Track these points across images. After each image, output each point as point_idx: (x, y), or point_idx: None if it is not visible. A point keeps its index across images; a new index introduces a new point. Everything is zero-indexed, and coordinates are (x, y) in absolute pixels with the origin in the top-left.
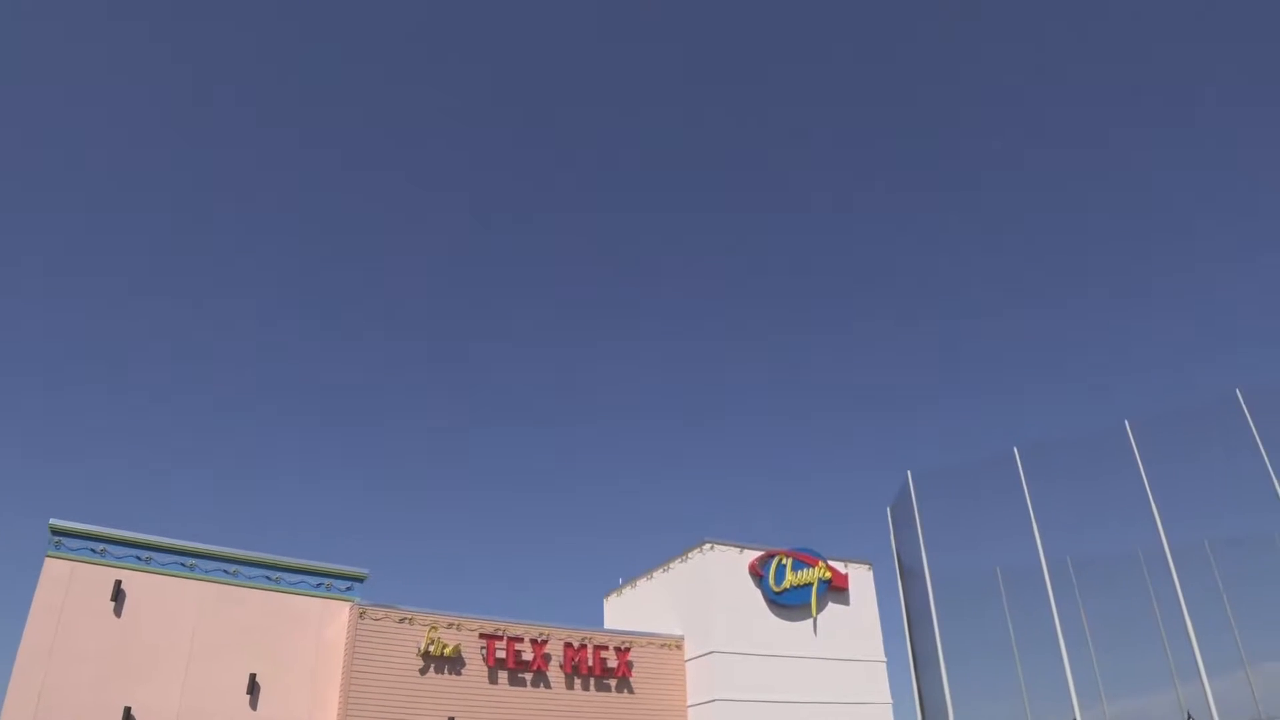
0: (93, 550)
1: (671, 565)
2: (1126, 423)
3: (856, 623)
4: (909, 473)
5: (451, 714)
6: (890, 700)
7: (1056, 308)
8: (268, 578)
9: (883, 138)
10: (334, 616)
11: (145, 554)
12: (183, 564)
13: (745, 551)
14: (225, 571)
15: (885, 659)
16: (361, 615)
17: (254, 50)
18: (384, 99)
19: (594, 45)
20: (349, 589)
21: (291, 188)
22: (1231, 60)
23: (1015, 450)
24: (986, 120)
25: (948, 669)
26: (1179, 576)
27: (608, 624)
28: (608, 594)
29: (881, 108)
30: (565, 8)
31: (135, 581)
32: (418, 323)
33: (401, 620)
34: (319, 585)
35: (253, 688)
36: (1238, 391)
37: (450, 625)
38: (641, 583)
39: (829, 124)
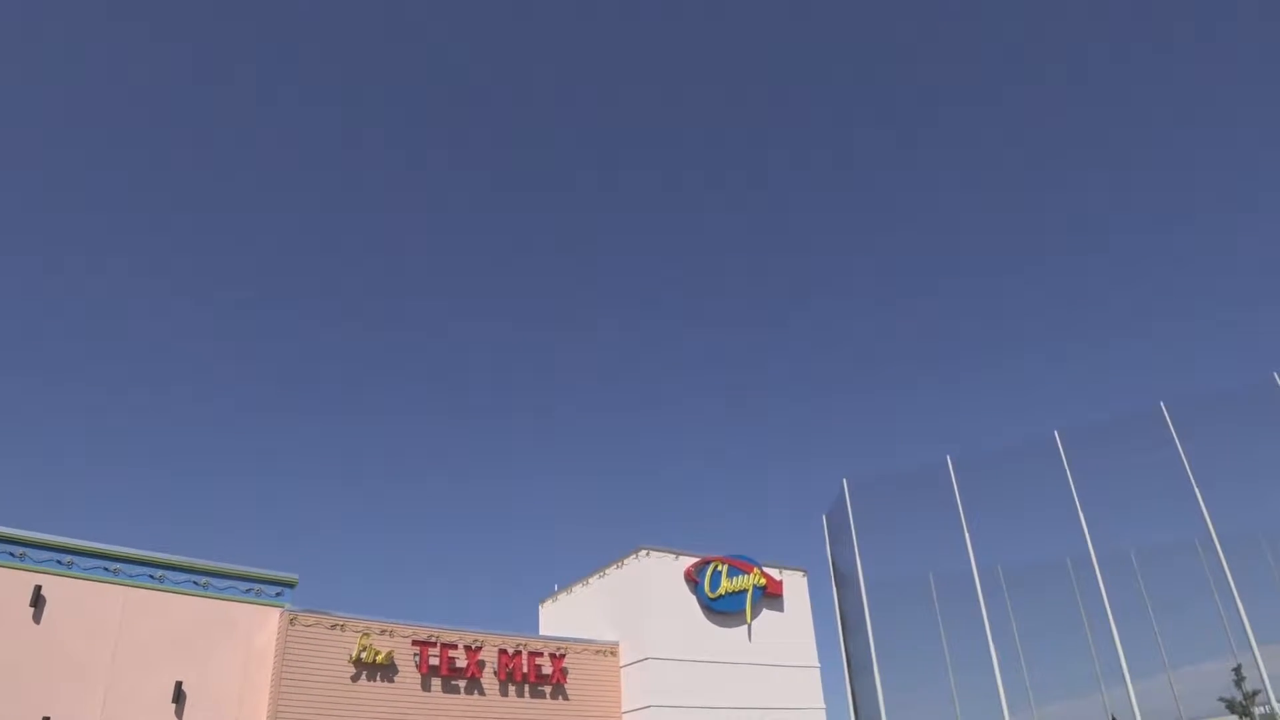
0: (11, 554)
1: (607, 571)
2: (1056, 433)
3: (791, 629)
4: (845, 481)
5: None
6: (824, 705)
7: (991, 323)
8: (195, 583)
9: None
10: (263, 623)
11: (66, 558)
12: (106, 568)
13: (681, 558)
14: (151, 576)
15: (819, 664)
16: (292, 622)
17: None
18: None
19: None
20: (279, 595)
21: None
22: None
23: (949, 459)
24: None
25: (881, 674)
26: (1105, 584)
27: (543, 630)
28: (543, 600)
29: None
30: None
31: (56, 586)
32: (346, 314)
33: (333, 627)
34: (248, 591)
35: (178, 696)
36: (1162, 405)
37: (383, 632)
38: (577, 589)
39: (785, 144)
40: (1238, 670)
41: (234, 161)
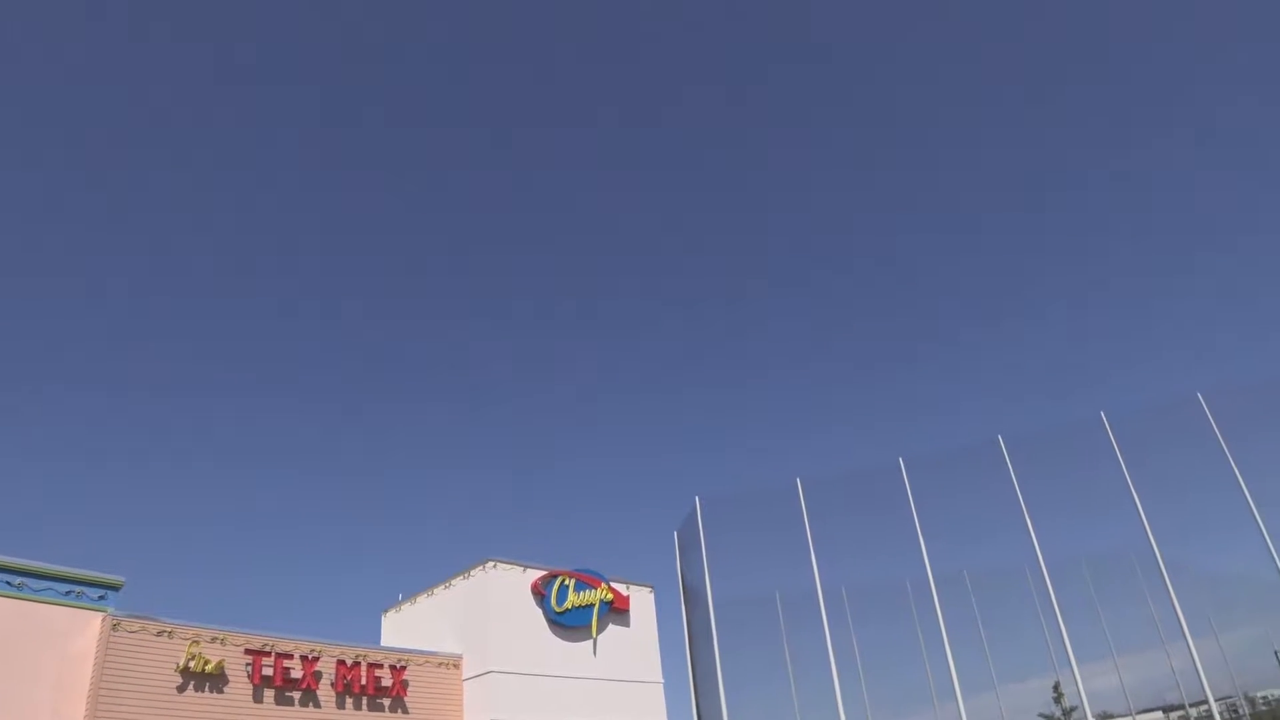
0: None
1: (453, 582)
2: (901, 460)
3: (636, 644)
4: (697, 498)
5: None
6: None
7: (840, 350)
8: (9, 583)
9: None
10: (83, 628)
11: None
12: None
13: (528, 571)
14: None
15: (663, 680)
16: (115, 627)
17: None
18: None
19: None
20: (102, 598)
21: None
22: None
23: (798, 481)
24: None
25: (726, 690)
26: (941, 604)
27: (386, 641)
28: (386, 610)
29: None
30: None
31: None
32: (180, 297)
33: (160, 633)
34: (68, 593)
35: None
36: (1000, 438)
37: (214, 639)
38: (422, 599)
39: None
40: (1056, 687)
41: None
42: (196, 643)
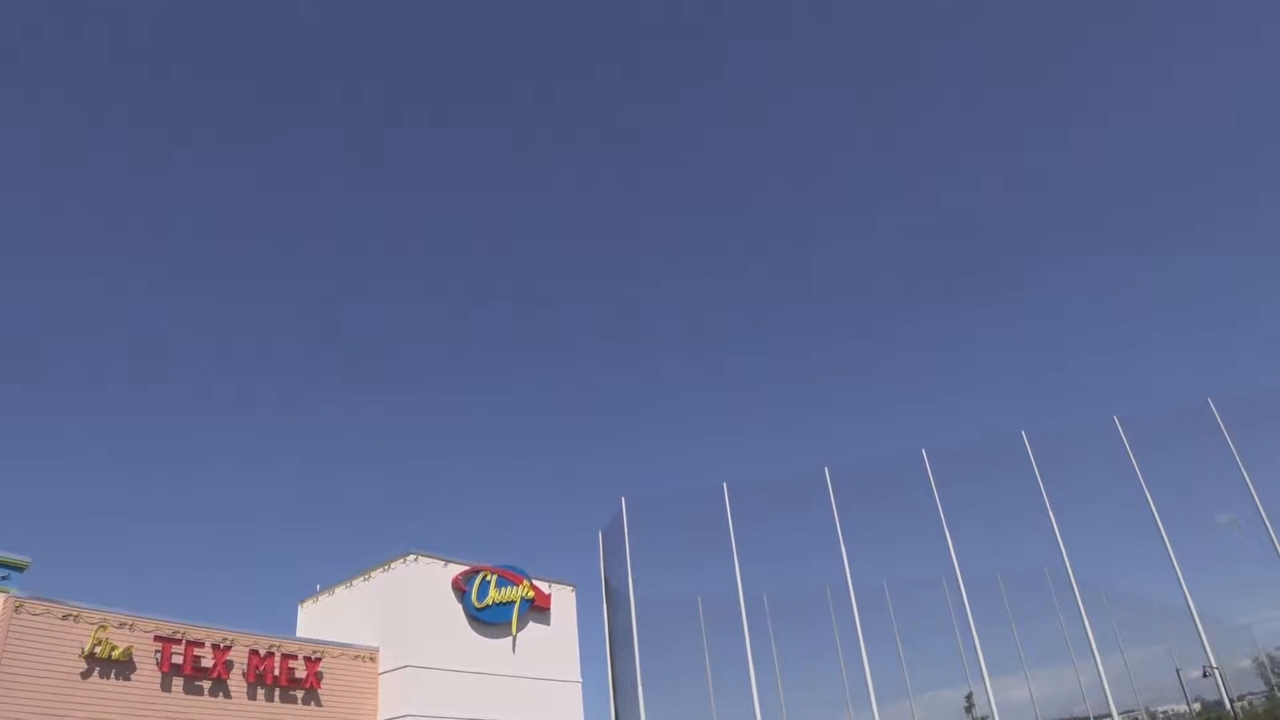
0: None
1: (373, 574)
2: (826, 470)
3: (556, 643)
4: (623, 499)
5: None
6: None
7: (769, 358)
8: None
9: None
10: None
11: None
12: None
13: (450, 565)
14: None
15: (581, 680)
16: (17, 609)
17: None
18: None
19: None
20: (5, 578)
21: None
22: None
23: (724, 486)
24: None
25: (645, 692)
26: (860, 614)
27: (301, 632)
28: (303, 600)
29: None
30: None
31: None
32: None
33: (65, 616)
34: None
35: None
36: (923, 451)
37: (122, 625)
38: (340, 590)
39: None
40: (969, 698)
41: None
42: (104, 628)
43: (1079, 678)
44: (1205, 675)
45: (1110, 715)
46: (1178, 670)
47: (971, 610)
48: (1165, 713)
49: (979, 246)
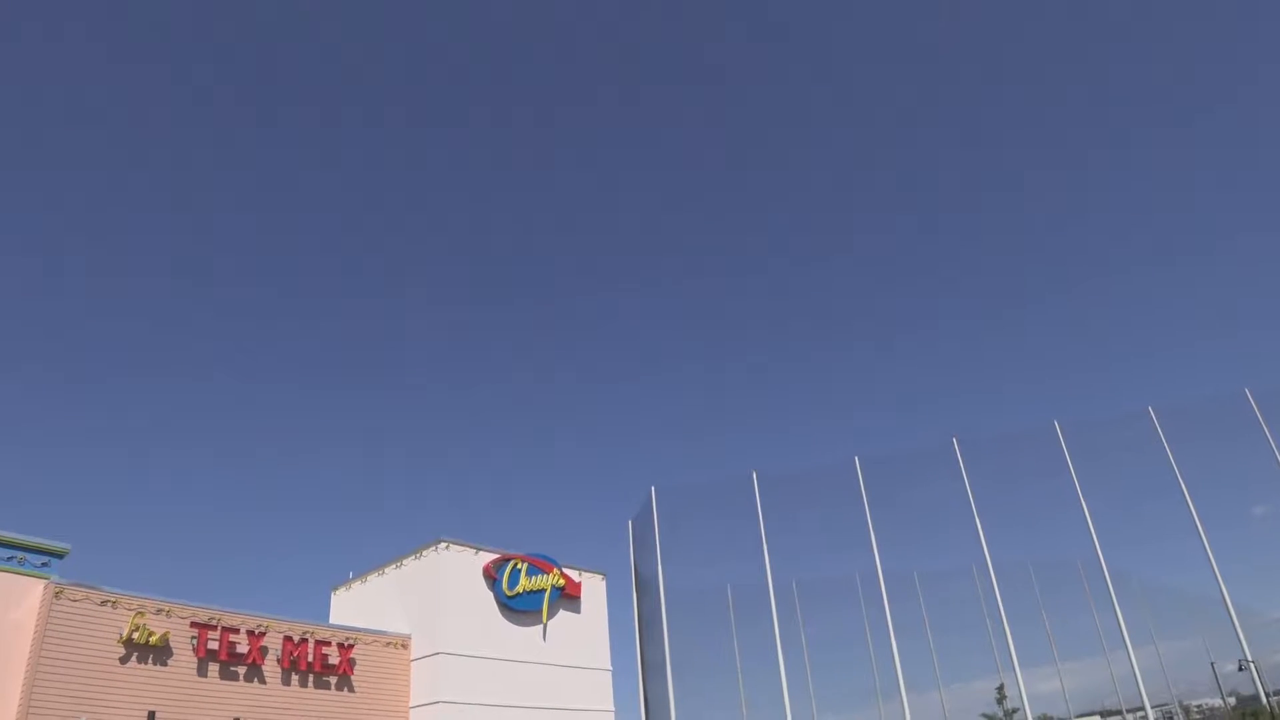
0: None
1: (404, 562)
2: (856, 459)
3: (586, 631)
4: (653, 488)
5: (153, 708)
6: (613, 709)
7: (798, 343)
8: None
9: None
10: (24, 595)
11: None
12: None
13: (481, 553)
14: None
15: (611, 668)
16: (57, 595)
17: None
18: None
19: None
20: (45, 565)
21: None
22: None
23: (754, 475)
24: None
25: (674, 680)
26: (890, 603)
27: (334, 619)
28: (336, 587)
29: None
30: None
31: None
32: (133, 279)
33: (104, 603)
34: (10, 559)
35: None
36: (954, 440)
37: (159, 611)
38: (372, 578)
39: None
40: (1000, 689)
41: None
42: (141, 614)
43: (1111, 670)
44: (1240, 669)
45: (1144, 708)
46: (1212, 664)
47: (1003, 601)
48: (1200, 707)
49: (1026, 246)
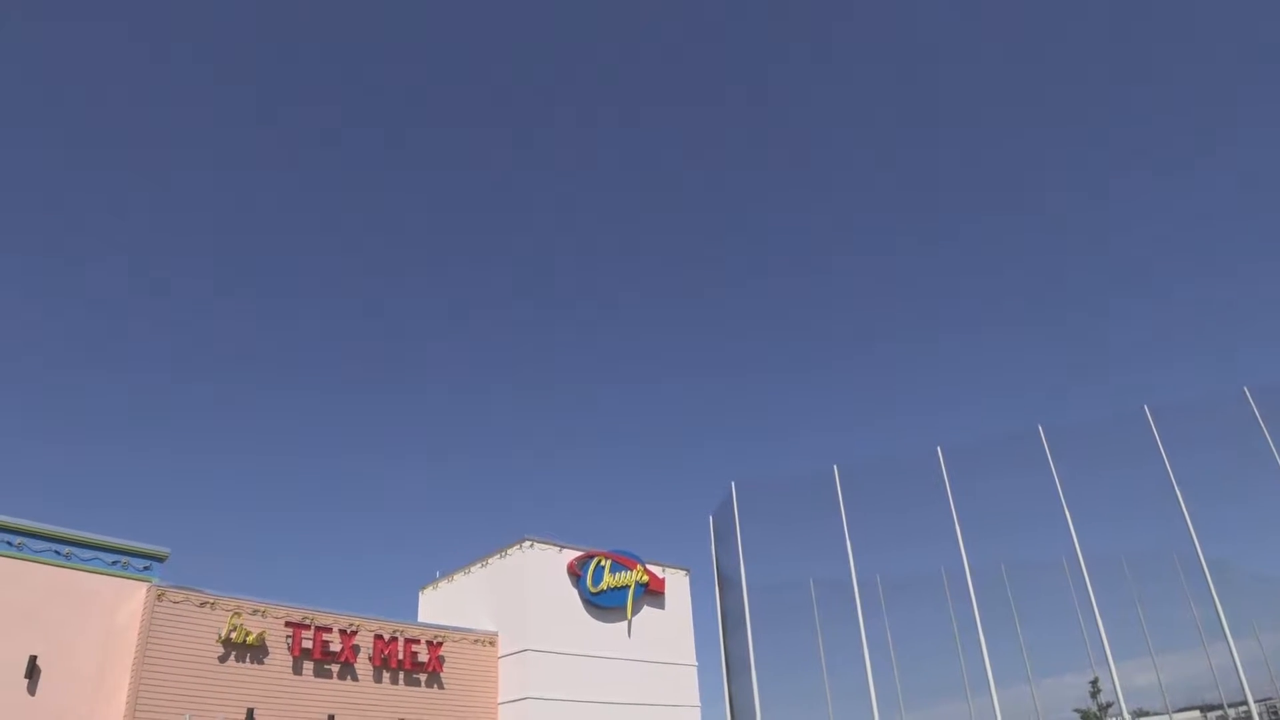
0: None
1: (490, 561)
2: (939, 449)
3: (670, 627)
4: (733, 483)
5: (251, 705)
6: (699, 704)
7: (872, 351)
8: (57, 552)
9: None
10: (128, 597)
11: None
12: None
13: (564, 551)
14: (9, 544)
15: (696, 664)
16: (159, 597)
17: None
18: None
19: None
20: (147, 568)
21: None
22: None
23: (835, 469)
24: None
25: (758, 675)
26: (976, 596)
27: (422, 617)
28: (424, 587)
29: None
30: None
31: None
32: (239, 282)
33: (203, 604)
34: (114, 563)
35: (32, 671)
36: (1040, 427)
37: (255, 612)
38: (459, 577)
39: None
40: (1094, 683)
41: None
42: (238, 614)
43: (1210, 662)
44: None
45: (1246, 703)
46: None
47: (1094, 593)
48: None
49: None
